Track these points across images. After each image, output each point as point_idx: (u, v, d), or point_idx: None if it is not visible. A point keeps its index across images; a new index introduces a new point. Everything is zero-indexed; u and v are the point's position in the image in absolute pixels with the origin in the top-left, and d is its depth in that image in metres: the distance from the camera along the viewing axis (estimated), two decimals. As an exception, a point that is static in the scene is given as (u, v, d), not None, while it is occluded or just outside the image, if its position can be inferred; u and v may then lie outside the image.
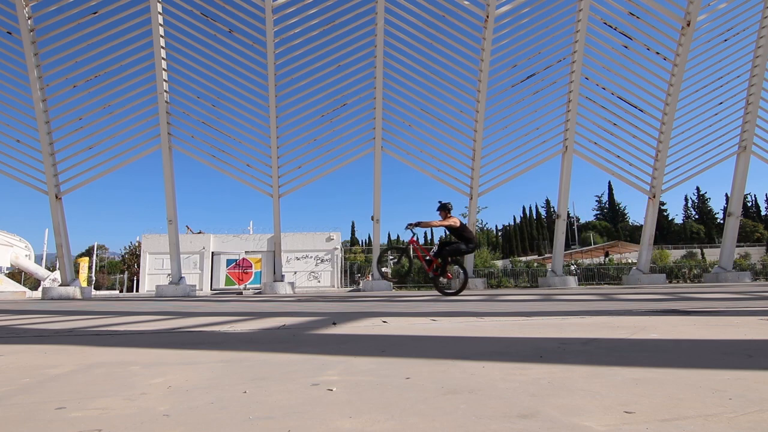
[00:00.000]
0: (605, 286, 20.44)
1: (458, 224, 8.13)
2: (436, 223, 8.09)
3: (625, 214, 77.78)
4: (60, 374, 1.60)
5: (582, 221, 71.46)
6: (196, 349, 2.23)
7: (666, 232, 63.16)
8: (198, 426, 0.99)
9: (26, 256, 29.26)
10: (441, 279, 8.04)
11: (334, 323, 3.25)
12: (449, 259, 8.18)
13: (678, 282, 22.56)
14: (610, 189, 78.87)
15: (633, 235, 56.65)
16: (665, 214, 67.99)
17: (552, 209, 70.68)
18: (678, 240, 58.14)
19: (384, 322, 3.32)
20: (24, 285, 29.92)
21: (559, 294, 9.23)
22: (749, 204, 69.18)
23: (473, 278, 18.19)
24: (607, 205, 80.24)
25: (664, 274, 19.83)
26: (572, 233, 51.33)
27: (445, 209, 8.21)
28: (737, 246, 20.36)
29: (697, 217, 71.73)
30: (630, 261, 29.88)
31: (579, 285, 19.46)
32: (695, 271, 23.63)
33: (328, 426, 0.97)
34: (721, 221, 56.09)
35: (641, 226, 21.51)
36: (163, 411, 1.11)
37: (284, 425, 0.98)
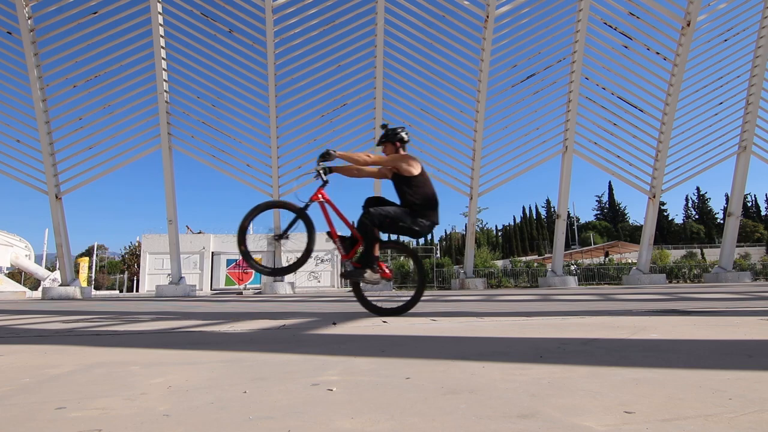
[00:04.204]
0: (605, 286, 20.45)
1: (414, 170, 3.87)
2: (374, 159, 3.96)
3: (625, 214, 77.71)
4: (60, 374, 1.60)
5: (582, 221, 71.40)
6: (196, 349, 2.23)
7: (666, 232, 63.14)
8: (198, 426, 0.99)
9: (26, 256, 29.27)
10: (366, 274, 3.72)
11: (334, 323, 3.25)
12: (379, 238, 3.83)
13: (678, 282, 22.56)
14: (610, 189, 78.85)
15: (633, 235, 56.57)
16: (665, 214, 67.92)
17: (552, 209, 70.72)
18: (678, 240, 58.12)
19: (384, 322, 3.32)
20: (24, 285, 29.92)
21: (559, 294, 9.23)
22: (749, 204, 69.11)
23: (473, 278, 18.19)
24: (607, 205, 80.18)
25: (664, 274, 19.82)
26: (572, 233, 51.32)
27: (395, 138, 4.04)
28: (737, 246, 20.37)
29: (697, 217, 71.67)
30: (630, 261, 29.87)
31: (579, 285, 19.46)
32: (695, 271, 23.62)
33: (328, 426, 0.97)
34: (721, 221, 56.06)
35: (641, 226, 21.52)
36: (163, 411, 1.11)
37: (284, 425, 0.98)
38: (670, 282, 21.62)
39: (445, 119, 17.76)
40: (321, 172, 3.94)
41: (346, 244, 3.88)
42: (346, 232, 3.95)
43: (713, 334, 2.34)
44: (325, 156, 3.88)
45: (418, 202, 3.78)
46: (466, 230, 21.01)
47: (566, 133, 17.67)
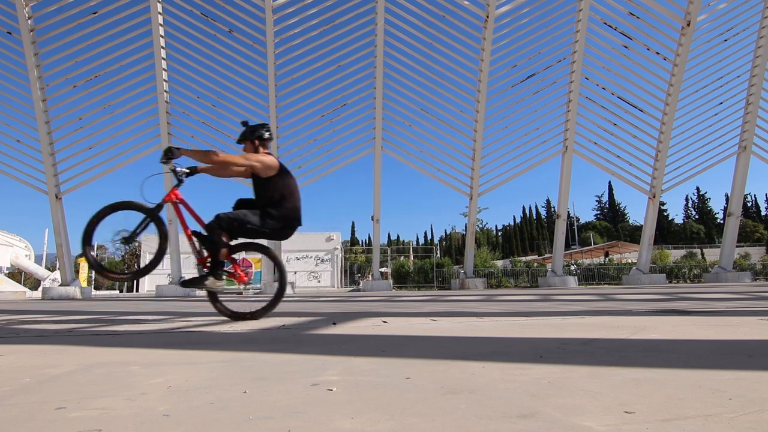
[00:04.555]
0: (605, 286, 20.44)
1: (270, 170, 3.66)
2: (223, 158, 3.64)
3: (625, 214, 77.68)
4: (60, 374, 1.59)
5: (582, 221, 71.40)
6: (196, 349, 2.23)
7: (666, 232, 63.14)
8: (198, 426, 0.99)
9: (26, 256, 29.26)
10: (207, 281, 3.50)
11: (334, 323, 3.25)
12: (225, 244, 3.58)
13: (678, 282, 22.56)
14: (610, 189, 78.84)
15: (633, 235, 56.55)
16: (665, 214, 67.90)
17: (552, 209, 70.72)
18: (678, 240, 58.11)
19: (384, 322, 3.32)
20: (24, 285, 29.91)
21: (558, 294, 9.23)
22: (749, 204, 69.07)
23: (473, 278, 18.17)
24: (607, 205, 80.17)
25: (664, 274, 19.81)
26: (572, 233, 51.30)
27: (253, 136, 3.79)
28: (737, 246, 20.36)
29: (697, 217, 71.65)
30: (630, 261, 29.86)
31: (579, 285, 19.46)
32: (695, 271, 23.62)
33: (328, 426, 0.97)
34: (721, 221, 56.03)
35: (641, 226, 21.52)
36: (163, 411, 1.11)
37: (284, 425, 0.98)
38: (670, 282, 21.62)
39: (445, 119, 17.77)
40: (179, 172, 3.57)
41: (199, 240, 3.70)
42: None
43: (713, 334, 2.34)
44: (168, 154, 3.54)
45: (270, 203, 3.64)
46: (466, 230, 21.02)
47: (566, 133, 17.68)
